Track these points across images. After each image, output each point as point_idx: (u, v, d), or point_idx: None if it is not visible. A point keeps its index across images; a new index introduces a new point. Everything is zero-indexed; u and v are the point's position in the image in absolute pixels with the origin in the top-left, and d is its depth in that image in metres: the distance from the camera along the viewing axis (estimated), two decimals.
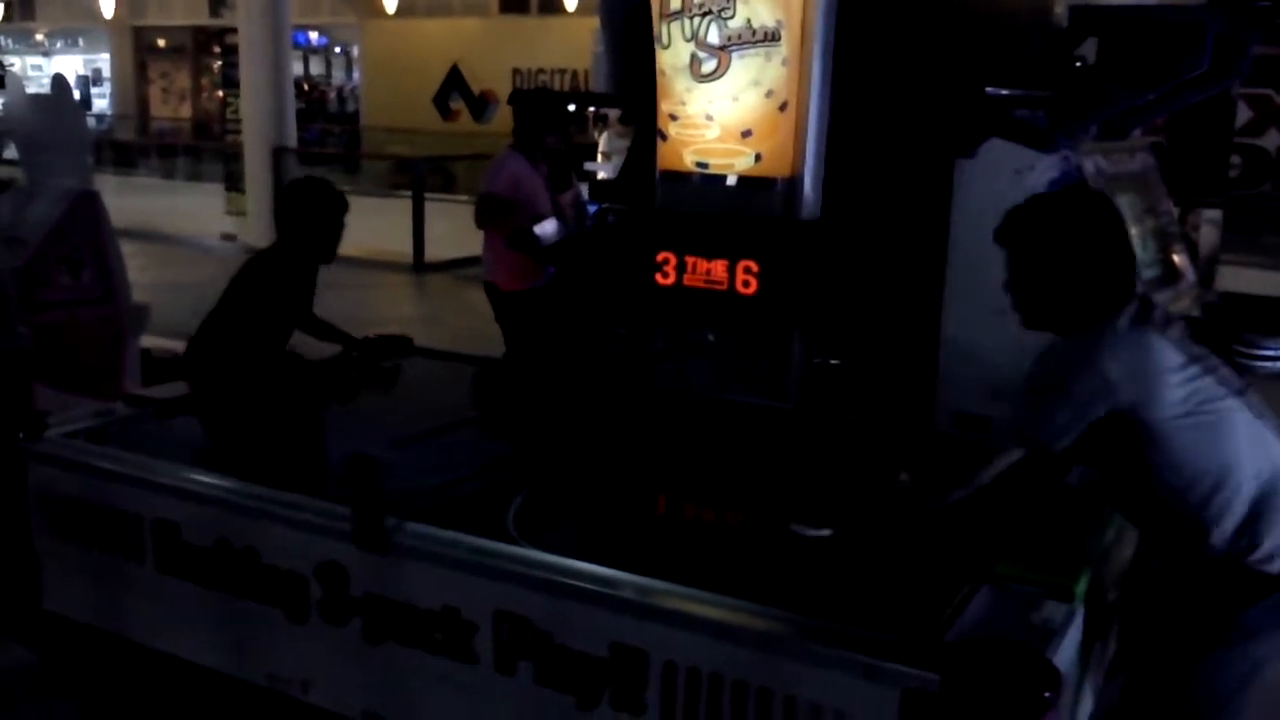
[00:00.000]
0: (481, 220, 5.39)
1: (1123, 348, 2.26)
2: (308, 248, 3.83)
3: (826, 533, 2.48)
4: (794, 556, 2.66)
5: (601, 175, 9.92)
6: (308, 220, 3.81)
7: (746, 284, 3.96)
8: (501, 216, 5.28)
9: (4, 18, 28.52)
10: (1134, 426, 2.26)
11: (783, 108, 3.86)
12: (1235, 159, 10.76)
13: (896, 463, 2.65)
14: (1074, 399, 2.24)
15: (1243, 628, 2.32)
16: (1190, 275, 4.38)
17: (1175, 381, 2.26)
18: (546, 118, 5.50)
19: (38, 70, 28.16)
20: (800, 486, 2.85)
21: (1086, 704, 2.54)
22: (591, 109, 13.16)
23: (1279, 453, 2.35)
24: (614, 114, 11.46)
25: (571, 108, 12.26)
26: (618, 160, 11.28)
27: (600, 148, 12.43)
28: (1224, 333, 3.86)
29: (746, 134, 3.93)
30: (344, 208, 3.86)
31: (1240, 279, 7.10)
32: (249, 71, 12.24)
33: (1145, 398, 2.24)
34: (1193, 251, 4.64)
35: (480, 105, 21.73)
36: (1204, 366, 2.31)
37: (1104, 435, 2.27)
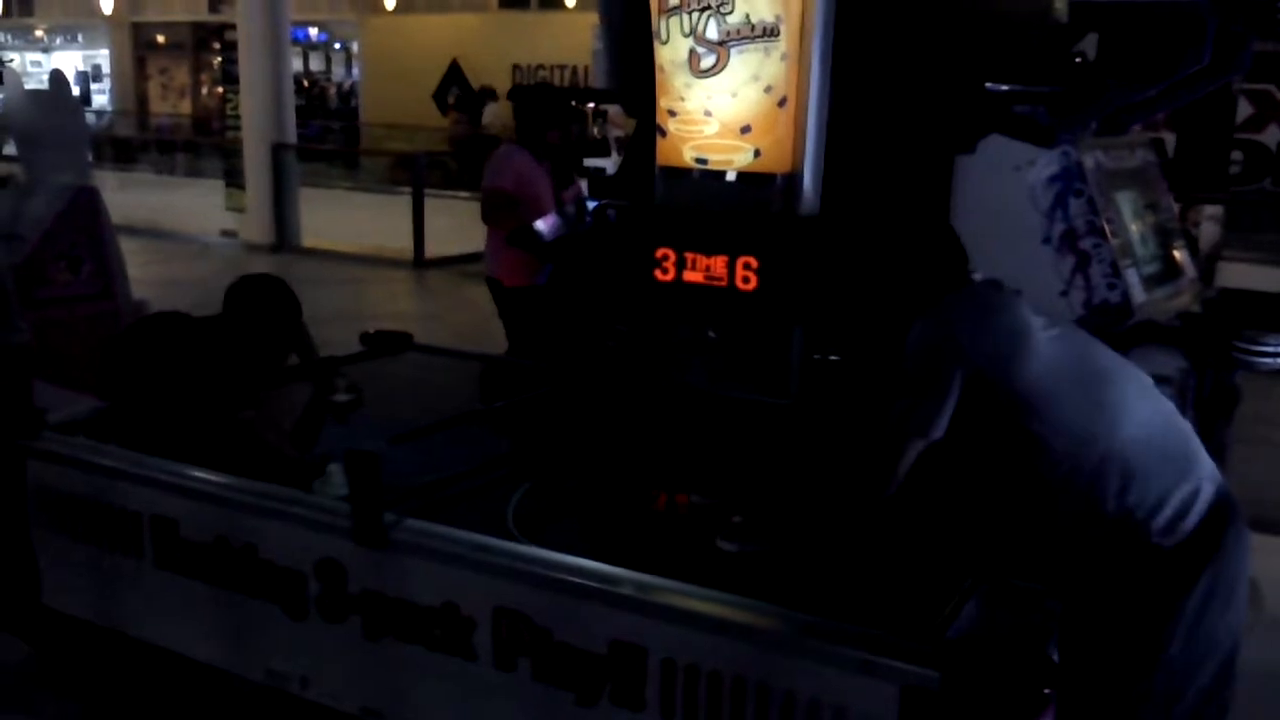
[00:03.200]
0: (489, 216, 5.36)
1: (969, 308, 2.36)
2: (253, 349, 3.32)
3: (753, 549, 2.46)
4: (794, 555, 2.65)
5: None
6: (255, 323, 3.31)
7: (746, 280, 3.95)
8: (508, 211, 5.26)
9: (3, 14, 28.52)
10: (999, 392, 2.26)
11: (782, 103, 3.85)
12: (1236, 155, 10.74)
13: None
14: (934, 374, 2.27)
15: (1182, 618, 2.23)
16: (1191, 271, 4.37)
17: (1038, 340, 2.29)
18: (550, 113, 5.48)
19: (37, 66, 28.14)
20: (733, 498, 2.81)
21: None
22: (591, 105, 13.15)
23: (1149, 417, 2.32)
24: (614, 110, 11.46)
25: (572, 103, 12.24)
26: None
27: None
28: (1224, 329, 3.85)
29: (746, 130, 3.92)
30: (297, 311, 3.38)
31: (1241, 275, 7.10)
32: (248, 67, 12.23)
33: (1005, 357, 2.26)
34: (1193, 247, 4.64)
35: (480, 101, 21.73)
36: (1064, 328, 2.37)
37: (977, 408, 2.27)
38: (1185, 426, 2.39)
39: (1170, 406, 2.40)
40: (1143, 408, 2.32)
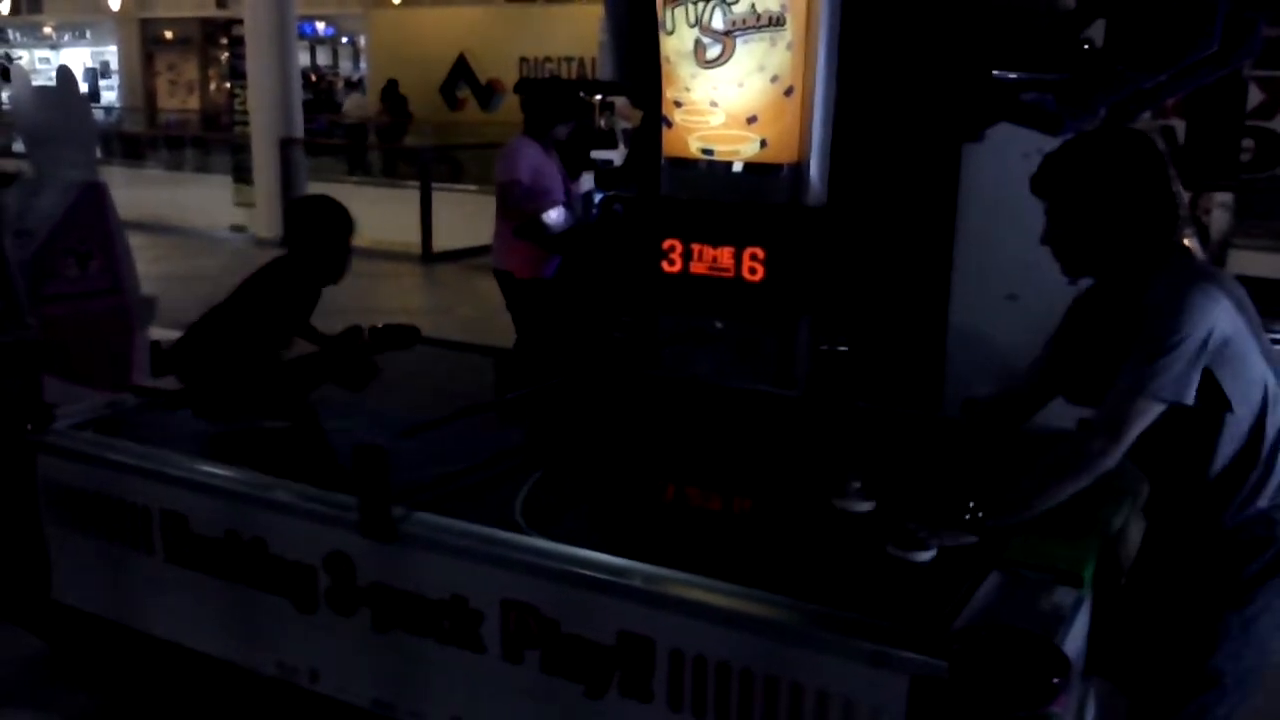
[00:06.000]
0: (506, 208, 5.34)
1: (1210, 284, 2.23)
2: (318, 266, 3.71)
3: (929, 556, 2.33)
4: (801, 544, 2.65)
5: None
6: (317, 239, 3.69)
7: (753, 271, 3.94)
8: (526, 204, 5.25)
9: (11, 11, 28.63)
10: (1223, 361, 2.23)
11: (788, 93, 3.84)
12: (1247, 142, 10.67)
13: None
14: (1191, 345, 2.16)
15: (1247, 583, 2.33)
16: (1201, 259, 4.35)
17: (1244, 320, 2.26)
18: (559, 106, 5.47)
19: (45, 63, 28.22)
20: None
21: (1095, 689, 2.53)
22: (598, 97, 13.12)
23: None
24: (621, 102, 11.41)
25: (580, 95, 12.20)
26: None
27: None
28: None
29: (752, 120, 3.91)
30: (351, 228, 3.79)
31: (1252, 262, 7.06)
32: (256, 63, 12.24)
33: (1233, 332, 2.21)
34: (1204, 235, 4.62)
35: (487, 94, 21.76)
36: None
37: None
38: None
39: None
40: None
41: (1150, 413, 2.20)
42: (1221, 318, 2.20)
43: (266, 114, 12.18)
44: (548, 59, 20.69)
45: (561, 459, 3.15)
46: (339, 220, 3.74)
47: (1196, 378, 2.18)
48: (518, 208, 5.28)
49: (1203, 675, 2.36)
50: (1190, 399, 2.19)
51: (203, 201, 14.30)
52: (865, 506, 2.60)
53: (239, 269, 3.88)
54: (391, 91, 21.27)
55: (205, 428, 3.44)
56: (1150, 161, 2.33)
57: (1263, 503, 2.31)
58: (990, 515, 2.33)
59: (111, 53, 29.12)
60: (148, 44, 28.27)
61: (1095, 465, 2.24)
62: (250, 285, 3.72)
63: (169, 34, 27.95)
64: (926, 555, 2.32)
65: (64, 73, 5.62)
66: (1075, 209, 2.34)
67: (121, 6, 25.78)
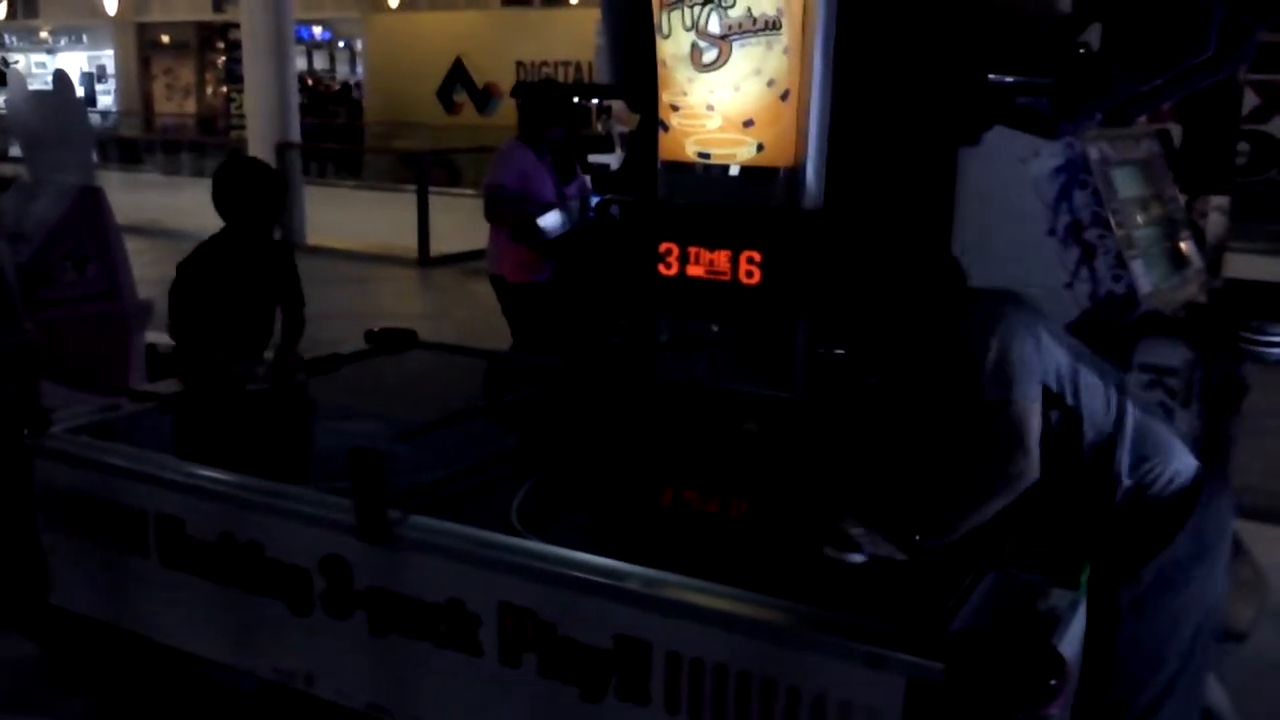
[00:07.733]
0: (491, 213, 5.37)
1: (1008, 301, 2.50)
2: (245, 228, 3.85)
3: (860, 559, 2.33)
4: (797, 549, 2.65)
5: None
6: (244, 200, 3.83)
7: (750, 274, 3.94)
8: (511, 208, 5.26)
9: (8, 15, 28.61)
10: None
11: (784, 97, 3.84)
12: (1243, 146, 10.72)
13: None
14: (1022, 344, 2.35)
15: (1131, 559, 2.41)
16: (1198, 262, 4.36)
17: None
18: (552, 109, 5.49)
19: (42, 68, 28.22)
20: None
21: None
22: (595, 101, 13.15)
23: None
24: (618, 106, 11.44)
25: (575, 100, 12.22)
26: None
27: None
28: (1230, 319, 3.84)
29: (748, 124, 3.92)
30: (282, 185, 3.94)
31: (1247, 266, 7.07)
32: (252, 67, 12.25)
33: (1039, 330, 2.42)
34: (1200, 238, 4.62)
35: (484, 98, 21.81)
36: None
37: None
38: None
39: None
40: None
41: (1034, 413, 2.31)
42: (1026, 319, 2.41)
43: (263, 118, 12.18)
44: (544, 63, 20.72)
45: (558, 463, 3.15)
46: (263, 179, 3.91)
47: (1038, 369, 2.35)
48: (502, 212, 5.29)
49: (1111, 668, 2.38)
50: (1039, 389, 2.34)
51: (200, 206, 14.26)
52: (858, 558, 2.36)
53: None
54: (344, 95, 21.44)
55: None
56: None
57: (1127, 480, 2.40)
58: (924, 536, 2.32)
59: (108, 57, 29.13)
60: (144, 48, 28.27)
61: (1021, 482, 2.29)
62: (185, 272, 3.85)
63: (165, 38, 27.95)
64: (860, 557, 2.31)
65: (60, 77, 5.63)
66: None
67: (118, 10, 25.74)
